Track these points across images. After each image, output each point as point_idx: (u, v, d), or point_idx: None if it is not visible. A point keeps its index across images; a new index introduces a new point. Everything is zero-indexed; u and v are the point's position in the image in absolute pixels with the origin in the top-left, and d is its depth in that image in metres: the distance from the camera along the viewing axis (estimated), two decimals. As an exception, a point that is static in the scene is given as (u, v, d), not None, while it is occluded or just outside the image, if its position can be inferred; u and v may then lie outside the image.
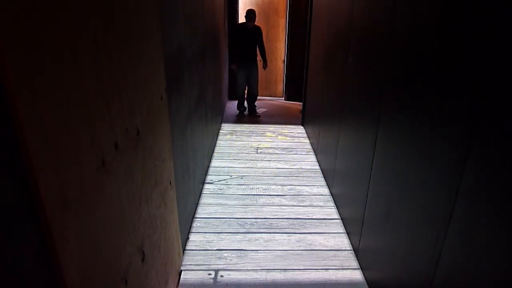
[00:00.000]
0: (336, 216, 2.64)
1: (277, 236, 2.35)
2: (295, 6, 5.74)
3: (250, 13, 4.93)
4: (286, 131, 4.69)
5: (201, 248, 2.19)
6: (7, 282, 0.61)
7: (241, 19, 6.14)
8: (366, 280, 1.96)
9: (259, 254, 2.16)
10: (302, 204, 2.79)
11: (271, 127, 4.80)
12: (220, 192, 2.93)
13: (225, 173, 3.30)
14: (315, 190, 3.04)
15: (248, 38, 5.01)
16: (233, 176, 3.23)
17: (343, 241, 2.33)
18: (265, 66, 5.40)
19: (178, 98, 1.93)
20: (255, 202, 2.79)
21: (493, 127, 0.95)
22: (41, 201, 0.65)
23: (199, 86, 2.72)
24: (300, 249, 2.23)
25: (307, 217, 2.60)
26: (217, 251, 2.17)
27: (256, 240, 2.30)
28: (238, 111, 5.49)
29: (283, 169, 3.44)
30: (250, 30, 4.99)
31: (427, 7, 1.35)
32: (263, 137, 4.38)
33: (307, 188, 3.06)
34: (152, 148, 1.37)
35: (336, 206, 2.76)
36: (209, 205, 2.72)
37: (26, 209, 0.64)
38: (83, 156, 0.81)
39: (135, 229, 1.17)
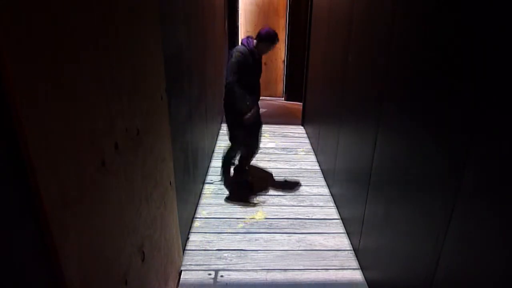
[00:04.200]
0: (336, 216, 2.64)
1: (277, 236, 2.35)
2: (295, 6, 5.74)
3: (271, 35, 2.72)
4: (286, 131, 4.69)
5: (201, 248, 2.19)
6: (7, 282, 0.61)
7: (241, 18, 6.11)
8: (366, 280, 1.96)
9: (259, 254, 2.16)
10: (302, 204, 2.79)
11: (271, 127, 4.80)
12: (220, 192, 2.93)
13: (225, 173, 3.30)
14: (315, 190, 3.04)
15: (257, 71, 2.86)
16: (233, 176, 3.23)
17: (343, 241, 2.33)
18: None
19: (178, 98, 1.92)
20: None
21: (493, 127, 0.95)
22: (41, 201, 0.65)
23: (199, 86, 2.72)
24: (300, 249, 2.23)
25: (307, 217, 2.60)
26: (217, 251, 2.17)
27: (256, 240, 2.30)
28: (242, 182, 3.10)
29: (283, 169, 3.44)
30: (258, 58, 2.81)
31: (426, 7, 1.35)
32: (263, 137, 4.37)
33: (307, 188, 3.06)
34: (152, 148, 1.37)
35: (336, 206, 2.76)
36: (209, 205, 2.72)
37: (26, 209, 0.64)
38: (83, 156, 0.81)
39: (135, 229, 1.17)
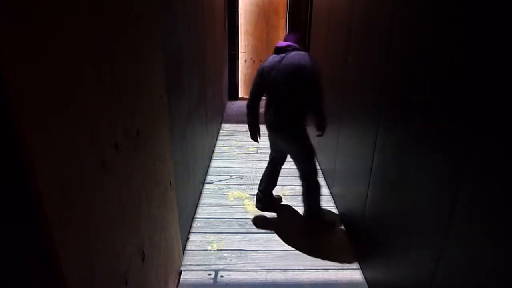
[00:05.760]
0: (336, 216, 2.64)
1: (277, 236, 2.35)
2: (295, 6, 5.74)
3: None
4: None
5: (201, 248, 2.19)
6: (7, 282, 0.61)
7: (241, 18, 6.10)
8: (366, 280, 1.96)
9: (259, 254, 2.16)
10: (302, 204, 2.78)
11: (271, 127, 4.79)
12: (220, 192, 2.92)
13: (225, 173, 3.30)
14: (315, 190, 3.04)
15: None
16: (233, 176, 3.23)
17: (343, 241, 2.33)
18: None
19: (178, 98, 1.92)
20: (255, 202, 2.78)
21: (493, 127, 0.95)
22: (41, 201, 0.65)
23: (199, 86, 2.72)
24: (300, 249, 2.23)
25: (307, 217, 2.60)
26: (217, 251, 2.17)
27: (256, 240, 2.30)
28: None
29: (283, 169, 3.42)
30: None
31: (426, 7, 1.35)
32: (264, 137, 4.36)
33: (307, 188, 3.06)
34: (152, 148, 1.37)
35: (336, 206, 2.75)
36: (209, 205, 2.72)
37: (26, 209, 0.64)
38: (83, 156, 0.81)
39: (135, 229, 1.17)
